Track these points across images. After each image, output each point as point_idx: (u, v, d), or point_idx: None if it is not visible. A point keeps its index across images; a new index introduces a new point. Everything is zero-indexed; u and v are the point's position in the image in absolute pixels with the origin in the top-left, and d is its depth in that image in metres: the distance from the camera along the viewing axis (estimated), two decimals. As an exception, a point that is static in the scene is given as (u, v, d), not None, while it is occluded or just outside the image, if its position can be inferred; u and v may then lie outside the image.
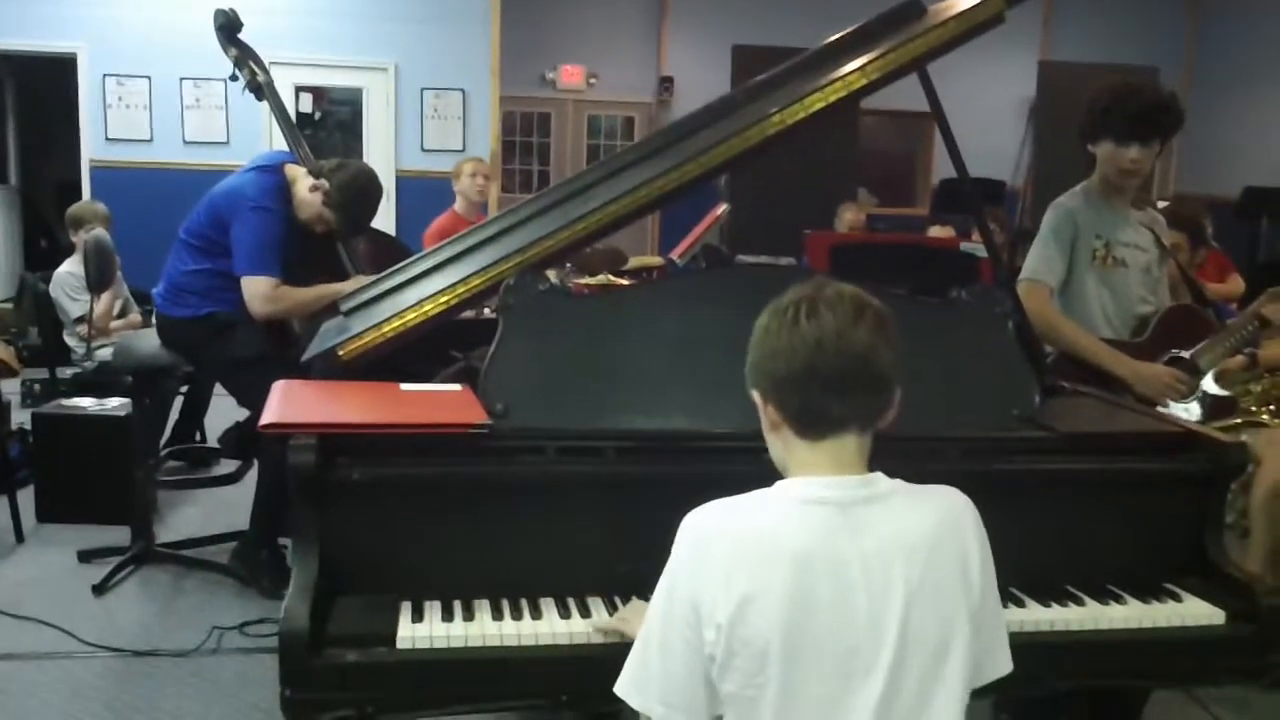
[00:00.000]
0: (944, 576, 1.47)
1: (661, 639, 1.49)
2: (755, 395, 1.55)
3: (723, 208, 6.06)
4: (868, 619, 1.43)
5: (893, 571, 1.44)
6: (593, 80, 10.59)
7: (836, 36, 2.55)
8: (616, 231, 2.36)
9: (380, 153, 8.15)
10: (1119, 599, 2.03)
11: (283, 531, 3.71)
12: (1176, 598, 2.06)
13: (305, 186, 3.74)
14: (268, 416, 1.91)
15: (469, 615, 1.84)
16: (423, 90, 8.08)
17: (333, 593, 1.83)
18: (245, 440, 4.36)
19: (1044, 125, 9.51)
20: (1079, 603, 2.01)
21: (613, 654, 1.60)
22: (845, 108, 2.36)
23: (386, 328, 2.26)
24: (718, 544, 1.46)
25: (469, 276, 2.27)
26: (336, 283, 3.60)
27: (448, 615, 1.83)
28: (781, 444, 1.55)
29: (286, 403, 2.03)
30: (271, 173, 3.78)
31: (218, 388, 4.87)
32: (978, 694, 1.55)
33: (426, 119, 8.11)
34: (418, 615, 1.83)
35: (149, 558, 4.04)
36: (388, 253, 3.74)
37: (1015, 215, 9.14)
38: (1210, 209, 5.72)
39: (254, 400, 3.36)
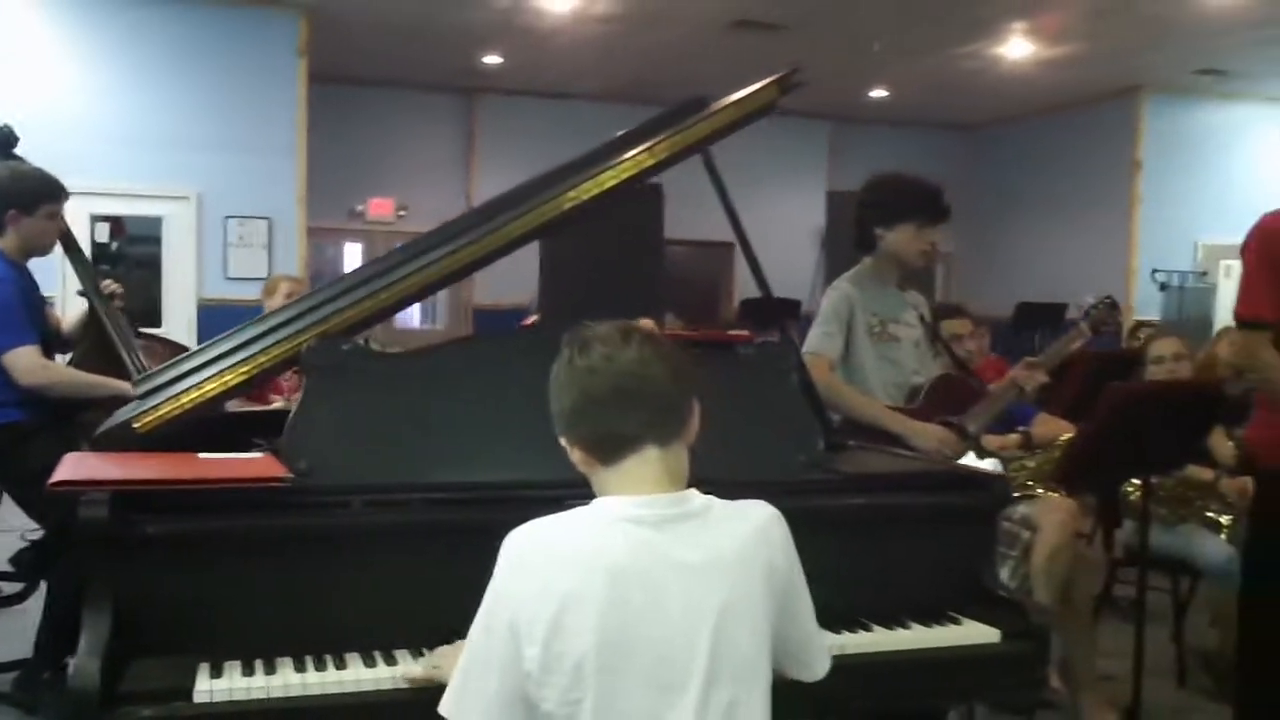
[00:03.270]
0: (754, 589, 1.55)
1: (482, 658, 1.52)
2: (561, 440, 1.63)
3: (532, 320, 6.19)
4: (682, 631, 1.49)
5: (706, 585, 1.51)
6: (402, 212, 10.70)
7: (629, 130, 2.74)
8: (421, 299, 2.43)
9: (181, 280, 8.00)
10: (905, 625, 2.16)
11: (71, 650, 3.50)
12: (957, 621, 2.20)
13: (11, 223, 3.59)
14: (58, 476, 1.87)
15: (270, 670, 1.81)
16: (226, 218, 8.03)
17: (126, 656, 1.78)
18: (43, 559, 4.12)
19: (834, 250, 10.11)
20: (868, 629, 2.13)
21: (424, 699, 1.62)
22: (635, 184, 2.51)
23: (185, 399, 2.24)
24: (534, 558, 1.51)
25: (269, 346, 2.28)
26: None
27: (248, 671, 1.80)
28: (595, 479, 1.62)
29: (78, 466, 1.99)
30: None
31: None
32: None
33: (230, 247, 8.05)
34: (216, 672, 1.79)
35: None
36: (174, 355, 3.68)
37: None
38: (988, 324, 6.17)
39: (54, 515, 3.23)
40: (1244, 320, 3.12)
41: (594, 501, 1.59)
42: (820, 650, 1.70)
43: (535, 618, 1.47)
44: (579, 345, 1.60)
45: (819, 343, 3.24)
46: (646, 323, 1.73)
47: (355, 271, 2.52)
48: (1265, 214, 3.17)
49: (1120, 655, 3.58)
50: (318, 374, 2.07)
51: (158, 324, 7.57)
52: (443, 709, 1.55)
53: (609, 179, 2.46)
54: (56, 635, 3.57)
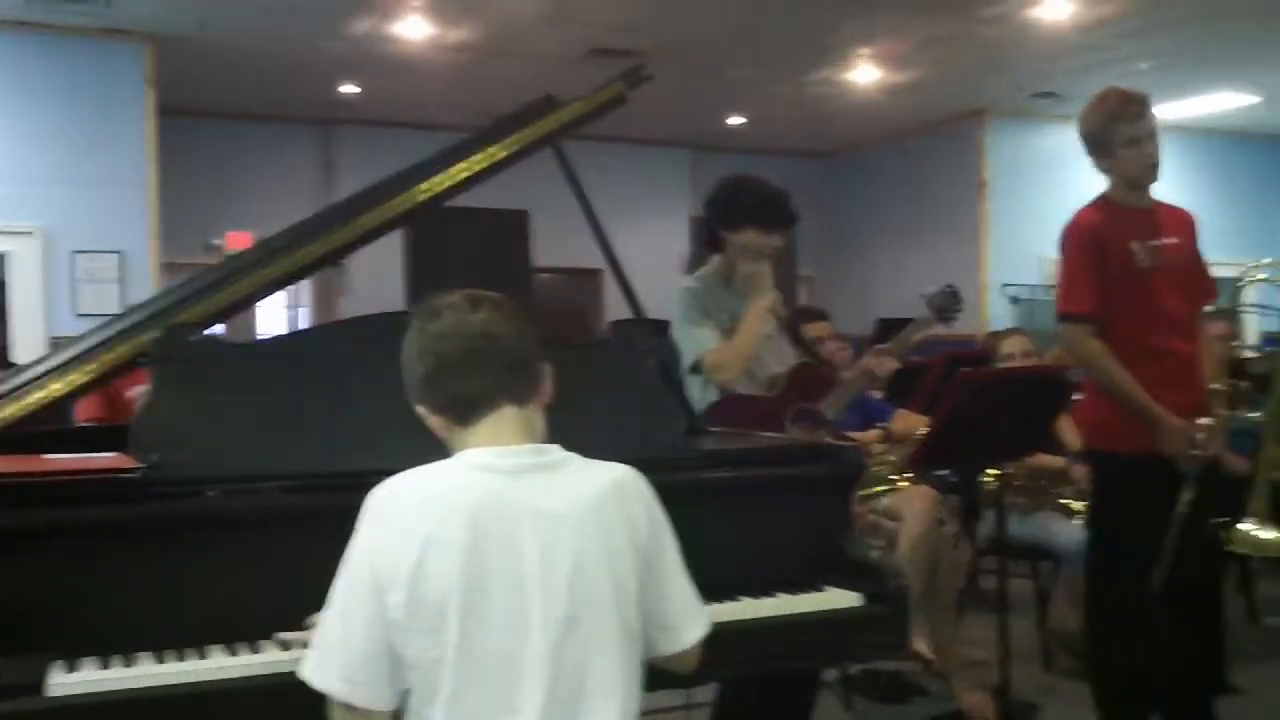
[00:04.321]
0: (613, 540, 1.58)
1: (343, 613, 1.52)
2: (419, 410, 1.64)
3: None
4: (540, 574, 1.51)
5: (563, 532, 1.54)
6: (262, 248, 10.45)
7: (484, 128, 2.75)
8: (272, 293, 2.40)
9: (28, 318, 7.68)
10: (770, 594, 2.20)
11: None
12: (819, 589, 2.25)
13: None
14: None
15: (129, 664, 1.75)
16: (74, 253, 7.74)
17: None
18: None
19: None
20: (735, 600, 2.17)
21: (290, 683, 1.59)
22: (487, 176, 2.53)
23: (29, 398, 2.17)
24: (396, 506, 1.53)
25: (116, 344, 2.23)
26: None
27: (104, 666, 1.74)
28: (454, 442, 1.64)
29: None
30: None
31: None
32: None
33: (79, 282, 7.76)
34: (72, 668, 1.72)
35: None
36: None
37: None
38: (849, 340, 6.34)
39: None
40: (1068, 316, 3.29)
41: (454, 455, 1.60)
42: (689, 615, 1.70)
43: (398, 564, 1.48)
44: (429, 313, 1.63)
45: (705, 340, 3.27)
46: None
47: (208, 270, 2.48)
48: (1079, 210, 3.36)
49: (989, 644, 3.69)
50: (165, 366, 2.03)
51: (3, 364, 7.24)
52: (304, 671, 1.54)
53: (461, 171, 2.49)
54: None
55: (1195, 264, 3.35)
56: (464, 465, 1.57)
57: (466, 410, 1.61)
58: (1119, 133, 3.22)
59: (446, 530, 1.49)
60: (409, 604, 1.47)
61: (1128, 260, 3.20)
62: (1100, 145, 3.29)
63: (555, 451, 1.62)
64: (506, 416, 1.61)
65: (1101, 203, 3.33)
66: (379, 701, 1.51)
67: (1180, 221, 3.35)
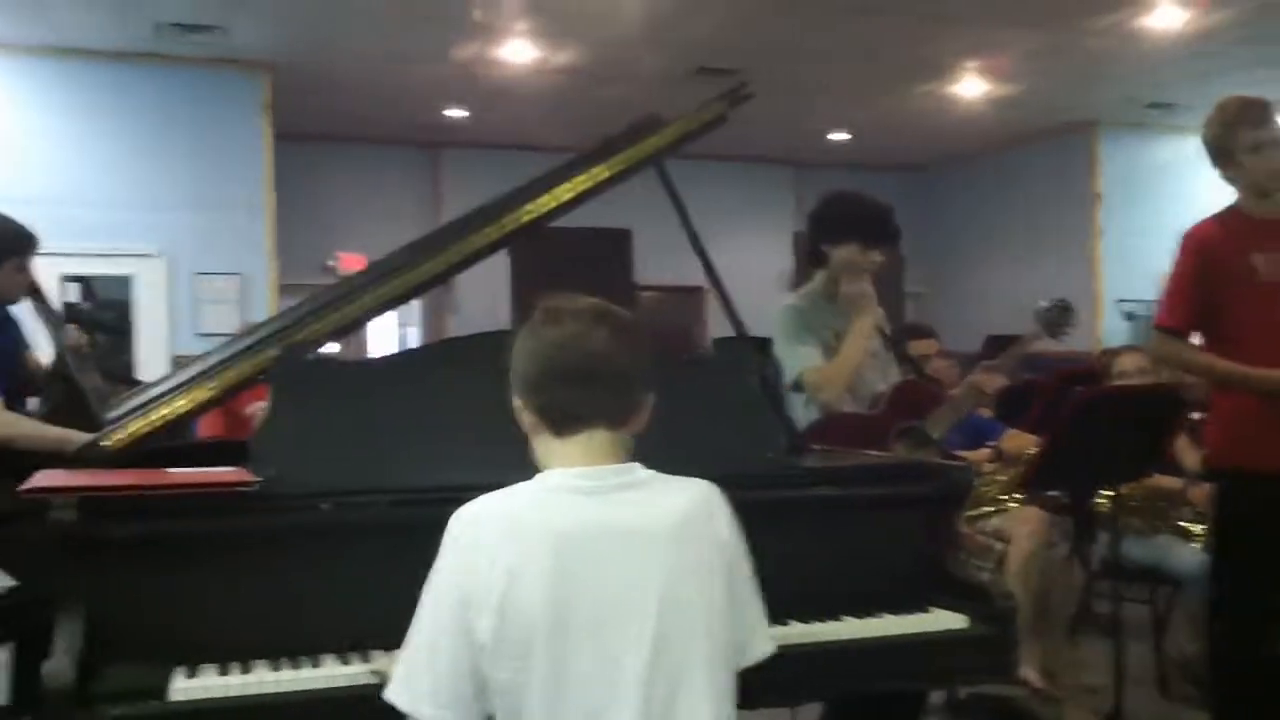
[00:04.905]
0: (701, 557, 1.56)
1: (430, 637, 1.52)
2: (515, 401, 1.66)
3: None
4: (628, 596, 1.50)
5: (650, 551, 1.53)
6: (373, 268, 10.70)
7: (587, 150, 2.79)
8: (385, 312, 2.47)
9: (152, 337, 8.00)
10: (874, 614, 2.18)
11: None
12: (924, 609, 2.22)
13: None
14: (28, 485, 1.88)
15: (246, 671, 1.82)
16: (196, 275, 8.04)
17: (102, 659, 1.78)
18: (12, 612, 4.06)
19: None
20: (837, 619, 2.15)
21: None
22: (591, 196, 2.57)
23: (155, 415, 2.26)
24: (480, 530, 1.53)
25: (238, 363, 2.31)
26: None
27: (223, 672, 1.81)
28: (540, 444, 1.65)
29: (47, 478, 2.00)
30: None
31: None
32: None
33: (201, 303, 8.05)
34: (192, 674, 1.79)
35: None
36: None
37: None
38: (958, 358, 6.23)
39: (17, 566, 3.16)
40: (1164, 328, 3.21)
41: (536, 476, 1.60)
42: (758, 633, 1.68)
43: (488, 588, 1.48)
44: (552, 316, 1.61)
45: (806, 361, 3.27)
46: None
47: (323, 291, 2.55)
48: (1195, 224, 3.26)
49: (1103, 669, 3.60)
50: (283, 384, 2.10)
51: (130, 381, 7.54)
52: (390, 694, 1.54)
53: (566, 191, 2.52)
54: (28, 685, 3.51)
55: None
56: (547, 487, 1.57)
57: (563, 422, 1.60)
58: (1241, 139, 3.14)
59: (532, 557, 1.48)
60: (496, 631, 1.47)
61: (1247, 274, 3.10)
62: (1223, 153, 3.20)
63: (638, 470, 1.60)
64: (599, 437, 1.60)
65: (1226, 214, 3.24)
66: None
67: None
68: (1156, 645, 4.41)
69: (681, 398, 2.16)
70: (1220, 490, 3.35)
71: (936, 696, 3.64)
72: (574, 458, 1.60)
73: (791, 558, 2.15)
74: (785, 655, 1.88)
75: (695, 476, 1.65)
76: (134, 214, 7.94)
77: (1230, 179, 3.23)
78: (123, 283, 8.09)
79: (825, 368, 3.26)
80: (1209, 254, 3.14)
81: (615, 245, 10.51)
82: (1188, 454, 4.45)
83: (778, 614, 2.08)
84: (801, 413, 3.31)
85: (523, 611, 1.47)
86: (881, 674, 2.15)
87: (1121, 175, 10.46)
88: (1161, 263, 11.34)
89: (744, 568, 1.65)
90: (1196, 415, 4.49)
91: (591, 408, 1.60)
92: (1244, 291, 3.10)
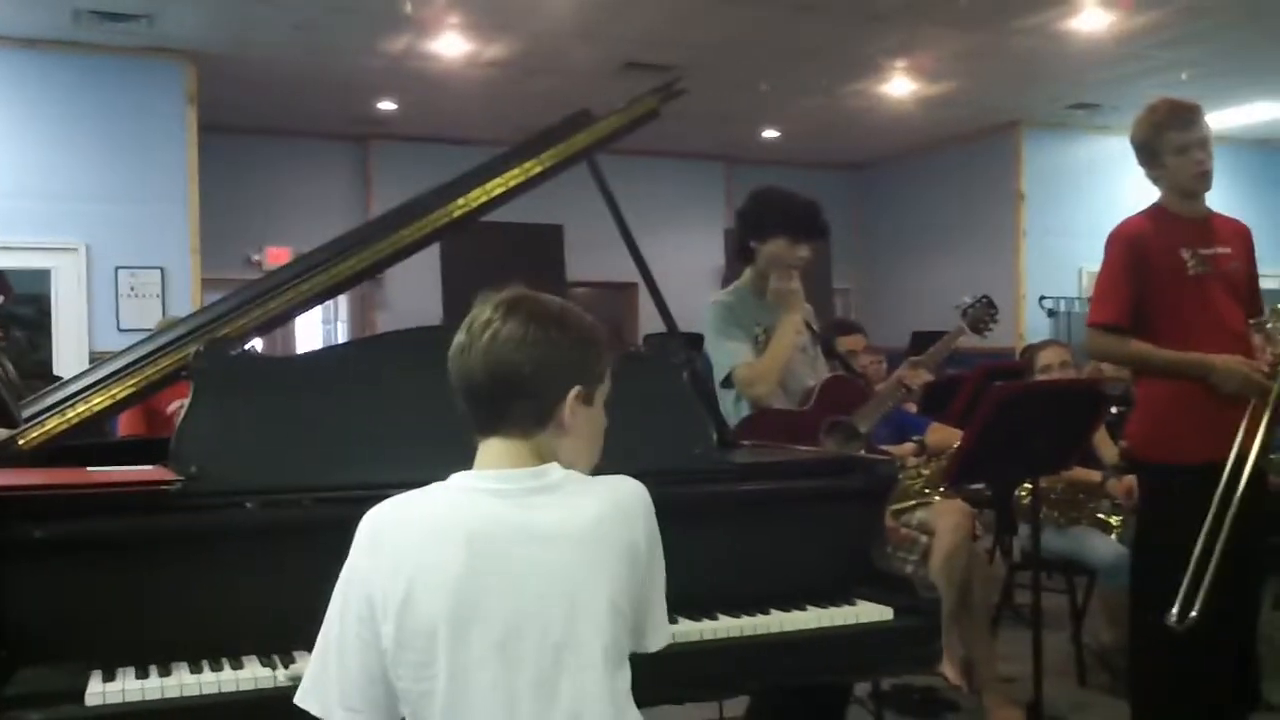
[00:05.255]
0: (612, 563, 1.51)
1: (339, 640, 1.49)
2: None
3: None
4: (535, 600, 1.46)
5: (559, 558, 1.48)
6: (300, 263, 10.54)
7: (519, 143, 2.77)
8: (310, 308, 2.44)
9: (72, 333, 7.81)
10: (801, 607, 2.20)
11: None
12: (851, 602, 2.25)
13: None
14: (-64, 486, 1.83)
15: (165, 673, 1.79)
16: (117, 269, 7.87)
17: (15, 662, 1.74)
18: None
19: (734, 286, 10.24)
20: (766, 613, 2.17)
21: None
22: (523, 191, 2.56)
23: (71, 414, 2.21)
24: (388, 533, 1.49)
25: (158, 359, 2.27)
26: None
27: (142, 674, 1.77)
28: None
29: (-41, 478, 1.95)
30: None
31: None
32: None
33: (122, 298, 7.88)
34: (110, 676, 1.76)
35: None
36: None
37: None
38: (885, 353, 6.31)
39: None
40: (1094, 324, 3.26)
41: (451, 477, 1.55)
42: (658, 625, 1.63)
43: (389, 591, 1.45)
44: (465, 321, 1.57)
45: (736, 356, 3.29)
46: None
47: (248, 286, 2.52)
48: (1123, 221, 3.33)
49: (1023, 659, 3.67)
50: (204, 380, 2.06)
51: (48, 378, 7.36)
52: (300, 699, 1.51)
53: (497, 186, 2.51)
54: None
55: (1248, 277, 3.31)
56: (458, 488, 1.53)
57: (475, 426, 1.57)
58: (1168, 141, 3.20)
59: (438, 560, 1.45)
60: (398, 635, 1.44)
61: (1177, 268, 3.16)
62: (1150, 154, 3.27)
63: (553, 472, 1.54)
64: (512, 443, 1.55)
65: (1153, 211, 3.31)
66: None
67: (1235, 233, 3.32)
68: (1075, 635, 4.52)
69: (611, 393, 2.16)
70: (1144, 483, 3.42)
71: (861, 688, 3.68)
72: (489, 461, 1.56)
73: (719, 552, 2.18)
74: (713, 649, 1.91)
75: (624, 473, 1.61)
76: (53, 205, 7.74)
77: (1155, 179, 3.30)
78: (41, 276, 7.89)
79: (756, 364, 3.28)
80: (1141, 249, 3.19)
81: (547, 241, 10.48)
82: (1106, 447, 4.56)
83: (705, 608, 2.11)
84: (732, 408, 3.33)
85: (423, 617, 1.44)
86: (808, 667, 2.17)
87: (1044, 174, 10.67)
88: (1082, 260, 11.62)
89: (658, 569, 1.61)
90: (1115, 409, 4.61)
91: (488, 417, 1.55)
92: (1176, 286, 3.16)
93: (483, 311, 1.56)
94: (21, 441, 2.18)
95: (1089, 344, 3.35)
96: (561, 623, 1.47)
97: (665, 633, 1.65)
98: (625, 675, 1.54)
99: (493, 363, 1.51)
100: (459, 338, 1.55)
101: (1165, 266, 3.17)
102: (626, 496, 1.58)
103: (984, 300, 3.47)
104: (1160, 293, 3.17)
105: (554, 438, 1.57)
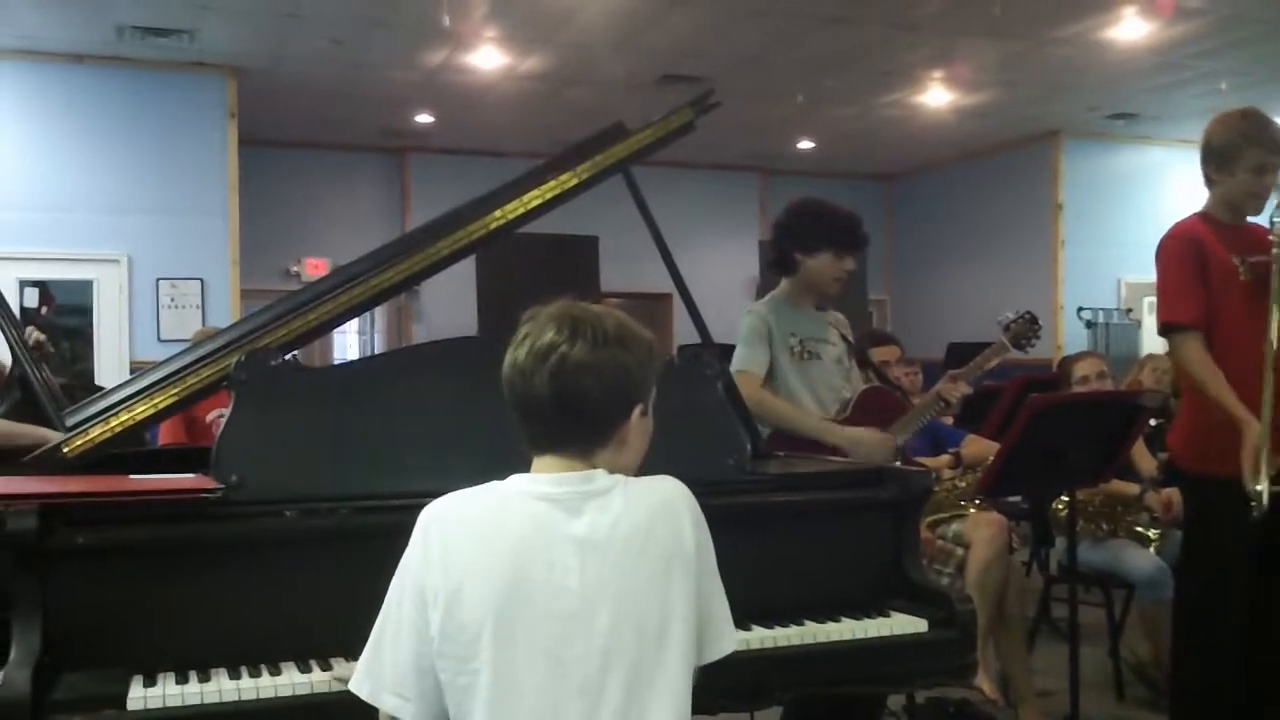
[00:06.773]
0: (660, 562, 1.55)
1: (394, 628, 1.54)
2: None
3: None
4: (581, 605, 1.49)
5: (606, 561, 1.52)
6: (338, 274, 10.63)
7: (554, 156, 2.80)
8: (349, 319, 2.46)
9: (113, 343, 7.92)
10: (835, 618, 2.20)
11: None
12: (885, 613, 2.25)
13: None
14: (-15, 493, 1.86)
15: (205, 679, 1.81)
16: (158, 280, 7.97)
17: (59, 667, 1.77)
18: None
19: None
20: (799, 623, 2.17)
21: (356, 700, 1.61)
22: (559, 203, 2.58)
23: (114, 422, 2.25)
24: (442, 528, 1.54)
25: (199, 368, 2.30)
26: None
27: (182, 679, 1.80)
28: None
29: (6, 485, 1.98)
30: None
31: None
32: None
33: (163, 308, 7.99)
34: (150, 682, 1.78)
35: None
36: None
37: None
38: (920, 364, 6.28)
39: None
40: (1170, 325, 3.18)
41: (509, 479, 1.59)
42: (721, 631, 1.65)
43: (440, 585, 1.49)
44: (520, 335, 1.59)
45: (745, 360, 3.31)
46: None
47: (287, 297, 2.54)
48: (1177, 223, 3.29)
49: (1059, 673, 3.64)
50: (245, 390, 2.09)
51: (90, 388, 7.46)
52: (353, 684, 1.56)
53: (534, 198, 2.53)
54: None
55: None
56: (512, 490, 1.57)
57: (530, 444, 1.61)
58: (1250, 155, 3.13)
59: (485, 559, 1.49)
60: (445, 628, 1.48)
61: (1231, 272, 3.11)
62: (1223, 159, 3.18)
63: (600, 477, 1.57)
64: (565, 461, 1.58)
65: (1203, 216, 3.27)
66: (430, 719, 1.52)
67: (1266, 240, 3.28)
68: (1112, 649, 4.47)
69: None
70: (1189, 495, 3.37)
71: (895, 700, 3.67)
72: (544, 466, 1.60)
73: (753, 563, 2.18)
74: (746, 659, 1.91)
75: (639, 479, 1.63)
76: (96, 217, 7.87)
77: (1213, 184, 3.23)
78: (84, 287, 8.01)
79: (753, 389, 3.21)
80: (1201, 250, 3.14)
81: (582, 251, 10.51)
82: (1144, 460, 4.51)
83: (739, 619, 2.10)
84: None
85: (470, 613, 1.48)
86: (842, 678, 2.17)
87: (1083, 185, 10.58)
88: (1120, 271, 11.47)
89: (711, 568, 1.64)
90: (1154, 421, 4.56)
91: (545, 440, 1.59)
92: (1229, 291, 3.11)
93: (543, 332, 1.57)
94: (67, 449, 2.22)
95: (1171, 348, 3.25)
96: (606, 629, 1.50)
97: (730, 640, 1.66)
98: (685, 678, 1.54)
99: (560, 388, 1.54)
100: (519, 358, 1.56)
101: (1221, 270, 3.13)
102: (671, 495, 1.62)
103: (1027, 315, 3.45)
104: (1218, 296, 3.13)
105: (613, 454, 1.61)
